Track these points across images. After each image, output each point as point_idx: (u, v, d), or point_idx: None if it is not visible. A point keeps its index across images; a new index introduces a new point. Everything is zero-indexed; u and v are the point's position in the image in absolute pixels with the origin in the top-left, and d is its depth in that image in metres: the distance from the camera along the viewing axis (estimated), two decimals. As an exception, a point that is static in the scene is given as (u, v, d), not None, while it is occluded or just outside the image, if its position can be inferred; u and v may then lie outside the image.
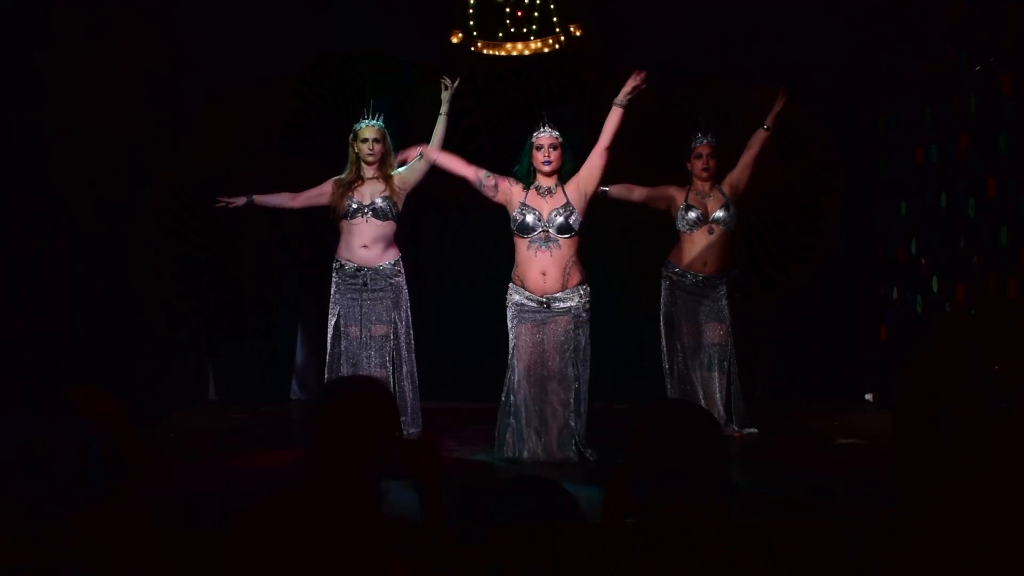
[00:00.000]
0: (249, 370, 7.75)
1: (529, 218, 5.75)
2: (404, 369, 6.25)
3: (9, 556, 2.16)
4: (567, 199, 5.78)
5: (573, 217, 5.75)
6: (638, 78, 5.66)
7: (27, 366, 5.65)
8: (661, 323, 6.50)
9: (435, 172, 6.22)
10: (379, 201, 6.16)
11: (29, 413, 2.26)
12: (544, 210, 5.77)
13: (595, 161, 5.78)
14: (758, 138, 6.40)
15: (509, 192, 5.85)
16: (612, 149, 5.77)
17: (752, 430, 6.38)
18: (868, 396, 7.52)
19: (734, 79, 7.60)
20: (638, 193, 6.40)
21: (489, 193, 5.88)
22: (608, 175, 5.96)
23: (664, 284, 6.48)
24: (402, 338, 6.24)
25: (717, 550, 2.11)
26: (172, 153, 7.22)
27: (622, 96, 5.69)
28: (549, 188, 5.82)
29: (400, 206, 6.22)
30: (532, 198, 5.81)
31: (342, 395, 2.55)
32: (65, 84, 6.30)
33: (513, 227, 5.81)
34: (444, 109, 6.12)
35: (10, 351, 5.65)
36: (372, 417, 2.47)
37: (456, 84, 6.13)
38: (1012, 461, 1.86)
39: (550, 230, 5.74)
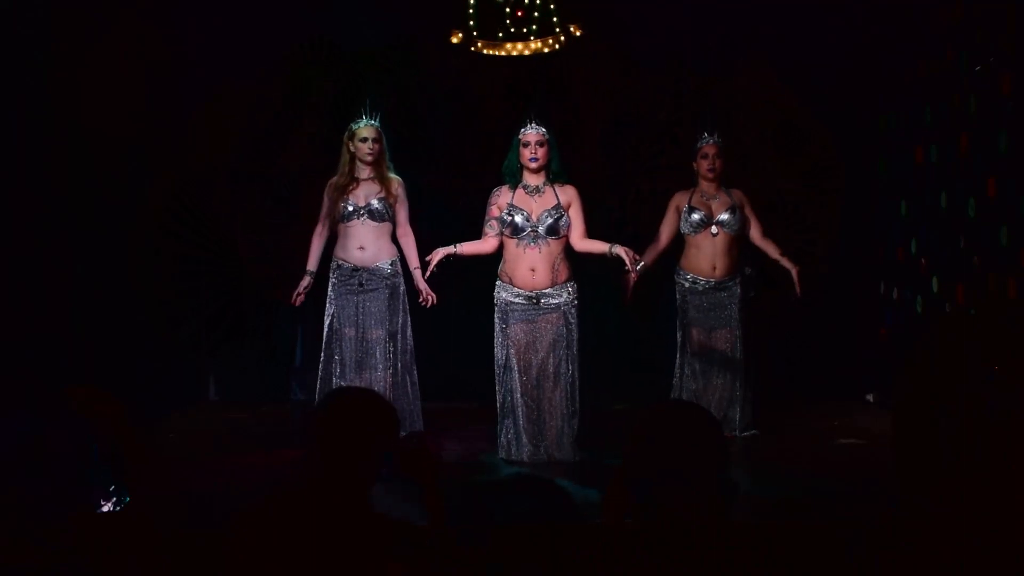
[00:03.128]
0: (249, 370, 7.74)
1: (518, 219, 5.76)
2: (403, 371, 6.22)
3: (9, 556, 2.16)
4: (558, 200, 5.79)
5: (563, 220, 5.76)
6: (633, 268, 5.69)
7: (27, 366, 5.64)
8: (677, 326, 6.50)
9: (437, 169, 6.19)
10: (375, 203, 6.14)
11: (29, 413, 2.26)
12: (533, 210, 5.77)
13: (575, 223, 5.81)
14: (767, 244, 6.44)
15: (500, 205, 5.85)
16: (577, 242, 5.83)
17: (753, 431, 6.37)
18: (868, 396, 7.52)
19: (734, 79, 7.61)
20: (665, 234, 6.39)
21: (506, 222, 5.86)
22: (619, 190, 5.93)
23: (677, 289, 6.46)
24: (399, 340, 6.21)
25: (717, 550, 2.11)
26: (172, 153, 7.22)
27: (617, 251, 5.68)
28: (537, 187, 5.82)
29: (395, 208, 6.21)
30: (520, 198, 5.81)
31: (344, 399, 2.57)
32: (65, 84, 6.29)
33: (502, 229, 5.81)
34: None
35: (10, 351, 5.65)
36: (373, 419, 2.47)
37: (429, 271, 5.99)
38: (1012, 461, 1.86)
39: (539, 229, 5.75)
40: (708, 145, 6.35)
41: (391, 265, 6.19)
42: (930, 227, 7.04)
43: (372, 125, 6.14)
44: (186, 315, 7.51)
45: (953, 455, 1.89)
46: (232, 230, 7.53)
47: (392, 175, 6.21)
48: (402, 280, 6.22)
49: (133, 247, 6.94)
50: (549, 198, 5.80)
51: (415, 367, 6.27)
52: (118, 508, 2.42)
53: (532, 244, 5.77)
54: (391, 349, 6.17)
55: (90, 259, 6.50)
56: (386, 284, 6.16)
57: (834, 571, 2.05)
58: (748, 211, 6.42)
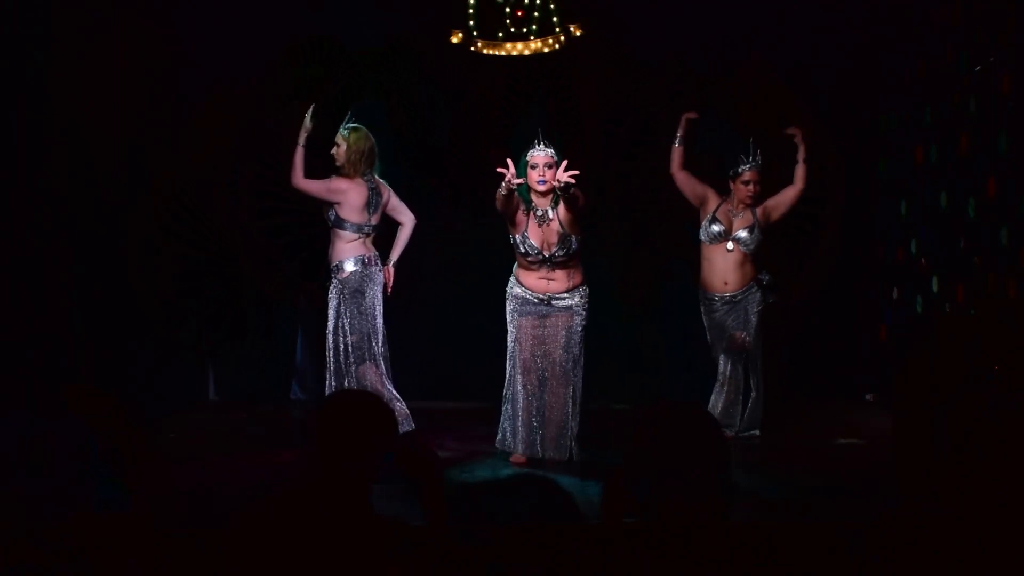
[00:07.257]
0: (249, 370, 7.75)
1: (530, 249, 5.71)
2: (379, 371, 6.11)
3: (9, 556, 2.16)
4: (564, 230, 5.66)
5: (573, 245, 5.70)
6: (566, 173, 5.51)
7: (27, 366, 5.65)
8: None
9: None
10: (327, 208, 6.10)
11: (29, 413, 2.26)
12: (543, 245, 5.68)
13: (574, 218, 5.69)
14: (800, 174, 6.37)
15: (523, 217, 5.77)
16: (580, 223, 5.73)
17: (753, 432, 6.37)
18: (868, 396, 7.52)
19: (734, 79, 7.61)
20: (682, 178, 6.35)
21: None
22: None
23: (701, 308, 6.48)
24: (373, 339, 6.12)
25: (717, 550, 2.11)
26: (172, 153, 7.21)
27: (560, 183, 5.53)
28: (546, 213, 5.71)
29: (343, 213, 6.01)
30: (532, 229, 5.70)
31: (343, 400, 2.58)
32: (65, 84, 6.30)
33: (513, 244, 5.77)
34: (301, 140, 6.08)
35: (10, 351, 5.65)
36: (372, 420, 2.48)
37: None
38: (1012, 461, 1.86)
39: (552, 259, 5.70)
40: (750, 171, 6.29)
41: (354, 264, 6.03)
42: (930, 227, 7.05)
43: (342, 129, 6.09)
44: (186, 315, 7.51)
45: (953, 455, 1.89)
46: (232, 230, 7.52)
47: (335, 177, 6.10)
48: (369, 279, 6.05)
49: (133, 247, 6.94)
50: (555, 225, 5.68)
51: (386, 368, 6.14)
52: (118, 508, 2.42)
53: (545, 265, 5.75)
54: (368, 348, 6.07)
55: (90, 259, 6.51)
56: (346, 283, 6.05)
57: (834, 571, 2.05)
58: (774, 205, 6.37)
